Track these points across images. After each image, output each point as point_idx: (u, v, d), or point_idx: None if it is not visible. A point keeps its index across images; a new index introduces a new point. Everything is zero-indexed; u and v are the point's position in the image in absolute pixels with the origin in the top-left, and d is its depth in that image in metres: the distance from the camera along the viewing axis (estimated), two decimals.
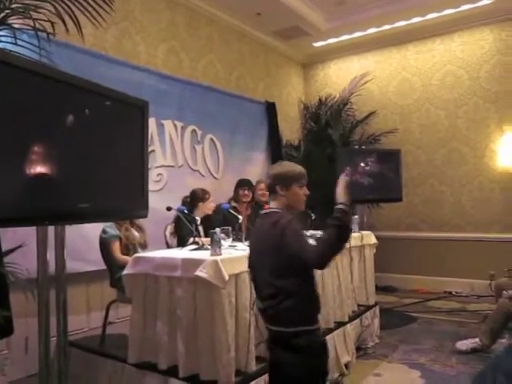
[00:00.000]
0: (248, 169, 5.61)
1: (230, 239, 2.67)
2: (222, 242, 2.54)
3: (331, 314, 3.30)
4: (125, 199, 2.15)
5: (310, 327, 1.79)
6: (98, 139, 2.02)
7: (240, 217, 3.25)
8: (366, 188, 4.61)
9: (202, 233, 3.41)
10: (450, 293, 5.66)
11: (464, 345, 3.61)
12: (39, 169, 1.71)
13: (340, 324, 3.40)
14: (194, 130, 4.93)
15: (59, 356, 2.06)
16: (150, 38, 4.54)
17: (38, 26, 2.59)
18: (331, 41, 6.40)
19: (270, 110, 6.07)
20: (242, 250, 2.69)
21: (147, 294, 2.64)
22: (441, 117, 6.05)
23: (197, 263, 2.38)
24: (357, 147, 5.88)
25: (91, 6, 2.59)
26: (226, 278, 2.30)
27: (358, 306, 3.85)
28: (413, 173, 6.12)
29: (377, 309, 4.05)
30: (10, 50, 2.34)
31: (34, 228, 1.94)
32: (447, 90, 5.99)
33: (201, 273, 2.32)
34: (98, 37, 3.91)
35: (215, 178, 5.16)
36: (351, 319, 3.58)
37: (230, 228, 2.68)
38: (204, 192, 3.67)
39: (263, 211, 1.96)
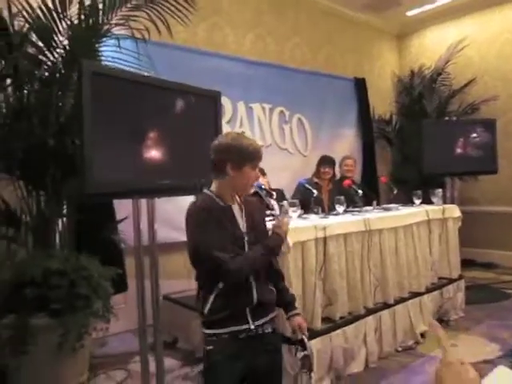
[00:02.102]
0: (337, 145, 5.77)
1: (298, 211, 2.95)
2: (291, 213, 2.84)
3: (405, 284, 3.42)
4: (199, 177, 2.55)
5: (205, 330, 1.70)
6: (180, 127, 2.45)
7: (315, 191, 3.49)
8: (456, 160, 4.52)
9: (276, 206, 3.71)
10: None
11: None
12: (139, 152, 2.21)
13: (416, 294, 3.50)
14: (281, 111, 5.24)
15: (154, 309, 2.56)
16: (237, 27, 4.90)
17: (135, 32, 3.10)
18: (426, 8, 6.14)
19: (360, 85, 6.10)
20: (311, 221, 2.96)
21: None
22: None
23: None
24: (447, 118, 5.66)
25: (178, 9, 3.00)
26: (290, 244, 2.60)
27: (440, 278, 3.87)
28: None
29: (461, 282, 4.03)
30: (114, 57, 2.90)
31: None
32: None
33: None
34: (190, 32, 4.36)
35: (303, 155, 5.41)
36: (429, 291, 3.64)
37: (297, 200, 2.96)
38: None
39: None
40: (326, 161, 4.27)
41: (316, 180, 4.18)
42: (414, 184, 5.06)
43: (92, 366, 3.10)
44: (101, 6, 2.78)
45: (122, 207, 3.40)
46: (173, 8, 3.00)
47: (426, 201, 3.98)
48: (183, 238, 3.96)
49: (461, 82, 6.01)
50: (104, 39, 2.91)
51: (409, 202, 3.98)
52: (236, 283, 1.65)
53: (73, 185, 2.83)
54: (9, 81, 2.69)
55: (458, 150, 4.58)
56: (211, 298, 1.65)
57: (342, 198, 3.29)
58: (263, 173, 3.86)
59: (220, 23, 4.74)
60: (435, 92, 6.06)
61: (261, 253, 1.69)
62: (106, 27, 2.87)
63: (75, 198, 2.89)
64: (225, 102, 4.62)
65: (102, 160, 1.99)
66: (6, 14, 2.54)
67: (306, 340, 1.82)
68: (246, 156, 1.64)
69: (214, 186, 1.71)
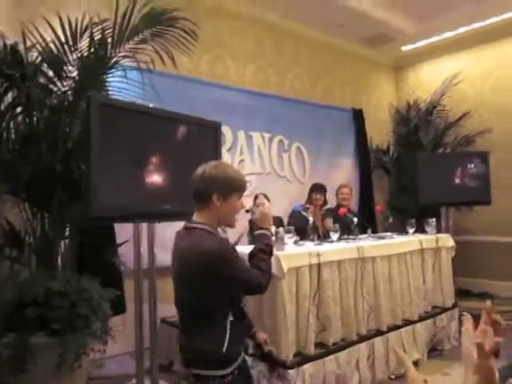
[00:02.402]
0: (334, 173, 5.90)
1: (294, 237, 3.04)
2: (286, 239, 2.94)
3: (399, 311, 3.48)
4: None
5: (220, 372, 1.56)
6: (182, 154, 2.58)
7: (310, 218, 3.59)
8: (451, 191, 4.64)
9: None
10: None
11: None
12: (142, 179, 2.33)
13: (409, 322, 3.55)
14: (281, 140, 5.39)
15: (151, 332, 2.63)
16: (239, 59, 5.11)
17: (141, 63, 3.26)
18: (420, 43, 6.39)
19: (357, 116, 6.28)
20: (306, 247, 3.06)
21: None
22: None
23: None
24: (441, 150, 5.82)
25: (182, 42, 3.16)
26: (285, 270, 2.69)
27: (434, 307, 3.93)
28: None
29: (455, 311, 4.07)
30: (120, 87, 3.05)
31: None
32: None
33: None
34: (193, 63, 4.55)
35: (301, 182, 5.53)
36: (422, 319, 3.69)
37: (293, 227, 3.06)
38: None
39: (185, 224, 1.67)
40: (316, 188, 4.40)
41: (308, 206, 4.28)
42: (410, 213, 5.17)
43: None
44: (109, 40, 2.95)
45: (123, 230, 3.50)
46: (177, 40, 3.17)
47: (422, 230, 4.08)
48: None
49: (456, 115, 6.19)
50: (111, 70, 3.06)
51: (404, 230, 4.07)
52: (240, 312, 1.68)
53: (77, 208, 2.94)
54: (19, 109, 2.83)
55: (453, 182, 4.71)
56: (227, 334, 1.57)
57: (337, 225, 3.39)
58: (267, 199, 3.99)
59: (222, 55, 4.95)
60: (431, 124, 6.24)
61: (268, 256, 1.68)
62: (114, 59, 3.03)
63: (78, 220, 2.99)
64: (225, 130, 4.78)
65: (106, 185, 2.11)
66: (21, 47, 2.70)
67: (273, 350, 1.90)
68: (232, 186, 1.61)
69: (200, 218, 1.62)
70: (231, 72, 5.05)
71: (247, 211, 1.96)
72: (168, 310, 3.73)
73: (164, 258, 3.58)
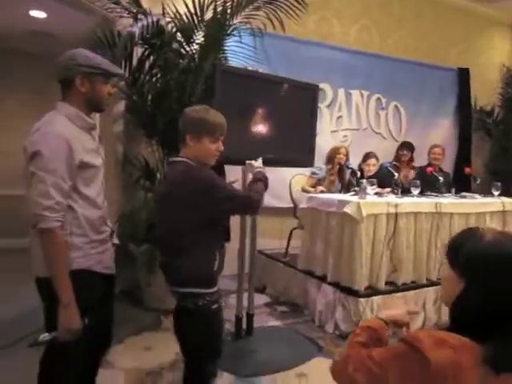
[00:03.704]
0: (431, 132, 6.00)
1: (375, 188, 3.45)
2: (368, 190, 3.37)
3: None
4: (297, 154, 3.17)
5: (206, 290, 1.71)
6: (285, 112, 3.06)
7: (396, 174, 3.93)
8: None
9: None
10: None
11: None
12: (250, 131, 2.89)
13: None
14: (378, 98, 5.62)
15: (251, 259, 3.26)
16: (344, 19, 5.34)
17: (254, 28, 3.75)
18: None
19: (463, 75, 6.18)
20: (386, 198, 3.46)
21: (313, 223, 3.69)
22: None
23: (346, 203, 3.29)
24: None
25: (290, 7, 3.58)
26: (364, 215, 3.15)
27: None
28: None
29: None
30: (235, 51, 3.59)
31: None
32: None
33: (347, 209, 3.23)
34: (301, 25, 4.89)
35: (396, 140, 5.74)
36: None
37: (375, 180, 3.47)
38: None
39: (171, 159, 1.86)
40: (404, 145, 4.66)
41: (396, 163, 4.57)
42: (509, 177, 5.18)
43: None
44: (229, 10, 3.48)
45: (233, 172, 4.13)
46: (286, 6, 3.59)
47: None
48: (280, 204, 4.60)
49: None
50: (229, 36, 3.61)
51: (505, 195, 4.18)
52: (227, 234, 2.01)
53: None
54: (157, 69, 3.54)
55: None
56: (217, 254, 1.79)
57: (418, 181, 3.71)
58: (375, 157, 4.46)
59: (328, 16, 5.22)
60: None
61: (262, 185, 1.93)
62: (232, 27, 3.57)
63: None
64: (326, 87, 5.18)
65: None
66: (162, 20, 3.36)
67: None
68: (203, 129, 1.73)
69: (183, 154, 1.77)
70: (336, 31, 5.32)
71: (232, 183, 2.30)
72: (265, 243, 4.43)
73: (265, 199, 4.22)
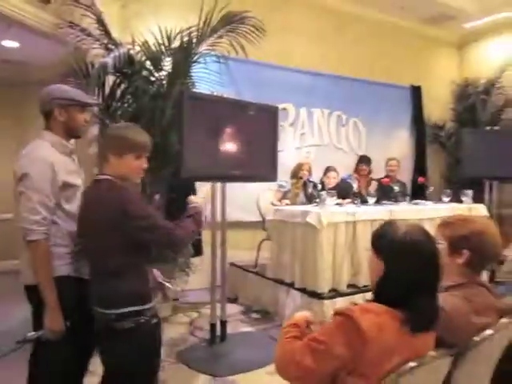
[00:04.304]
0: (390, 145, 6.42)
1: (334, 199, 3.75)
2: (328, 201, 3.67)
3: None
4: (262, 169, 3.43)
5: (147, 305, 1.70)
6: (249, 132, 3.33)
7: (354, 185, 4.26)
8: (494, 165, 5.01)
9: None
10: None
11: None
12: (218, 150, 3.14)
13: None
14: (339, 115, 6.02)
15: (222, 272, 3.45)
16: (303, 42, 5.72)
17: (218, 55, 4.05)
18: (481, 21, 6.53)
19: (416, 93, 6.67)
20: (345, 208, 3.78)
21: (280, 233, 3.96)
22: None
23: (308, 213, 3.57)
24: (488, 128, 6.04)
25: (251, 34, 3.89)
26: (324, 223, 3.44)
27: None
28: None
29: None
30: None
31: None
32: None
33: (309, 219, 3.51)
34: (263, 49, 5.19)
35: (357, 153, 6.09)
36: None
37: (334, 191, 3.79)
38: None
39: (94, 177, 1.79)
40: (362, 160, 5.03)
41: (355, 175, 4.92)
42: (463, 185, 5.60)
43: (174, 308, 4.16)
44: (194, 40, 3.77)
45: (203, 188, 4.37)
46: (247, 34, 3.90)
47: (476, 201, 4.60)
48: (250, 217, 4.84)
49: None
50: (195, 64, 3.89)
51: (455, 201, 4.57)
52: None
53: (168, 171, 3.88)
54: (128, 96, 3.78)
55: (494, 157, 5.06)
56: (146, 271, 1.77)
57: (373, 191, 4.05)
58: (335, 170, 4.77)
59: (287, 40, 5.58)
60: (489, 101, 6.45)
61: (193, 224, 1.81)
62: (197, 55, 3.87)
63: (169, 180, 3.94)
64: (289, 107, 5.53)
65: (193, 154, 2.94)
66: (132, 51, 3.63)
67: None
68: (125, 146, 1.71)
69: (106, 171, 1.74)
70: (296, 54, 5.68)
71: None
72: (236, 255, 4.65)
73: (234, 213, 4.48)
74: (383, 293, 1.30)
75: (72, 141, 2.06)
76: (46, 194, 1.78)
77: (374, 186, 5.08)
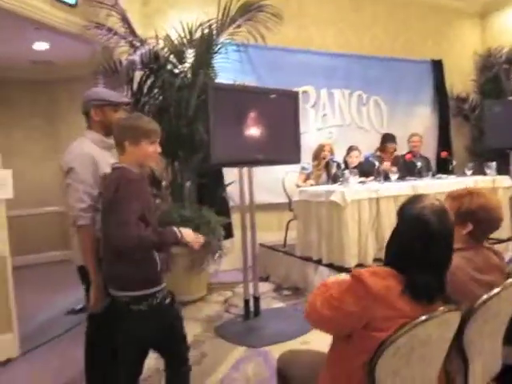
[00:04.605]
0: (412, 122, 6.42)
1: (357, 178, 3.88)
2: (351, 179, 3.80)
3: None
4: (285, 152, 3.59)
5: (158, 287, 1.78)
6: (272, 117, 3.47)
7: (377, 163, 4.36)
8: (511, 136, 5.00)
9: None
10: None
11: None
12: (243, 136, 3.32)
13: None
14: (359, 95, 6.06)
15: (253, 253, 3.66)
16: (321, 25, 5.78)
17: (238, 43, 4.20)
18: None
19: (436, 67, 6.62)
20: (368, 186, 3.90)
21: (306, 213, 4.12)
22: None
23: (332, 192, 3.72)
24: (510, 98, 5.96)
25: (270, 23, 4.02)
26: (348, 201, 3.58)
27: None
28: None
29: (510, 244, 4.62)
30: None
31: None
32: None
33: (333, 197, 3.66)
34: (282, 34, 5.32)
35: (379, 132, 6.16)
36: None
37: (356, 170, 3.91)
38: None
39: (113, 165, 1.89)
40: (389, 138, 5.09)
41: (379, 154, 5.00)
42: (485, 158, 5.60)
43: (209, 288, 4.40)
44: (214, 31, 3.93)
45: (231, 174, 4.55)
46: (263, 21, 4.02)
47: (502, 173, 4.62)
48: (276, 199, 5.02)
49: None
50: (216, 54, 4.05)
51: (480, 174, 4.61)
52: None
53: (196, 158, 4.09)
54: (156, 90, 3.98)
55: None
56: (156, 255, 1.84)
57: (395, 168, 4.15)
58: (357, 149, 4.88)
59: (305, 23, 5.66)
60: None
61: (166, 243, 1.86)
62: (218, 45, 4.02)
63: (198, 167, 4.15)
64: (309, 89, 5.63)
65: (219, 141, 3.12)
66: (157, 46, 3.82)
67: None
68: (139, 133, 1.83)
69: (122, 161, 1.86)
70: (314, 37, 5.75)
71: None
72: (265, 236, 4.85)
73: (261, 196, 4.65)
74: (389, 257, 1.44)
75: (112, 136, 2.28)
76: (89, 184, 2.01)
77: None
